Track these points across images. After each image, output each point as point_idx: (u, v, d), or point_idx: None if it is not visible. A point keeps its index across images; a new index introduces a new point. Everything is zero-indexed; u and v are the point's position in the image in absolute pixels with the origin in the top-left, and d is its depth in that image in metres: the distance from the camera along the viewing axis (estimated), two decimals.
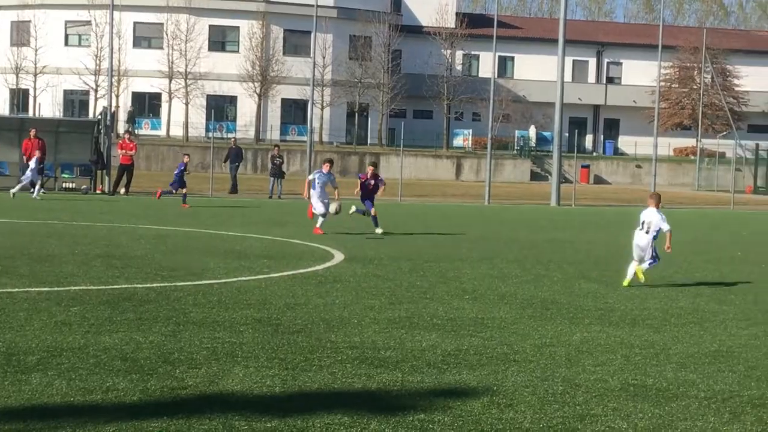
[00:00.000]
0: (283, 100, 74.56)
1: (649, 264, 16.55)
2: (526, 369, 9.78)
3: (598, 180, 73.93)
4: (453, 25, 79.44)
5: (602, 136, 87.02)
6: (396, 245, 21.89)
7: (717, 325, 12.81)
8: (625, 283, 16.37)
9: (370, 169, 25.57)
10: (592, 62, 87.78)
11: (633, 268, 16.46)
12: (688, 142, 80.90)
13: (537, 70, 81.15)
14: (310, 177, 24.97)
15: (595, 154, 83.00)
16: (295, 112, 75.31)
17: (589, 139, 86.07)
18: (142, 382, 8.62)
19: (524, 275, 17.37)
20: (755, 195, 62.49)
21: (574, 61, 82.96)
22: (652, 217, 16.51)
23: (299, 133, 73.07)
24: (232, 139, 48.50)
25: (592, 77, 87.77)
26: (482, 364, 9.95)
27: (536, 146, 76.91)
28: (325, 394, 8.56)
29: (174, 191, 33.61)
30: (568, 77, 71.61)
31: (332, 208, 23.90)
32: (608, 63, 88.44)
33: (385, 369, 9.54)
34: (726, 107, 73.43)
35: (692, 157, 75.93)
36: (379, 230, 24.21)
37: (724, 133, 73.63)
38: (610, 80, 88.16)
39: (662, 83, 73.62)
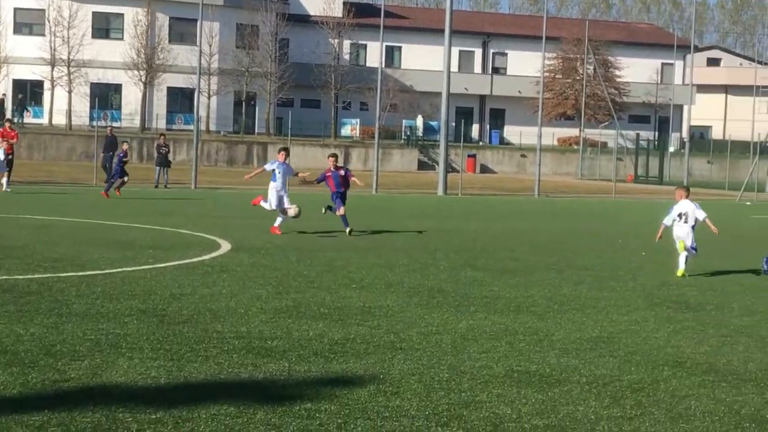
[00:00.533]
0: (169, 89, 73.60)
1: (690, 254, 17.21)
2: (413, 357, 9.85)
3: (485, 169, 74.76)
4: (340, 15, 79.43)
5: (488, 126, 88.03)
6: (283, 235, 21.82)
7: (598, 312, 13.07)
8: (680, 273, 16.98)
9: (331, 161, 23.24)
10: (478, 53, 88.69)
11: (684, 257, 17.13)
12: (572, 132, 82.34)
13: (424, 60, 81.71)
14: (268, 167, 22.82)
15: (481, 143, 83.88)
16: (181, 100, 74.38)
17: (475, 129, 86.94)
18: (22, 375, 8.44)
19: (411, 264, 17.49)
20: (636, 184, 63.91)
21: (460, 51, 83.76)
22: (687, 208, 17.32)
23: (186, 122, 72.24)
24: (108, 128, 47.54)
25: (478, 67, 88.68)
26: (369, 352, 10.00)
27: (423, 136, 77.37)
28: (211, 385, 8.50)
29: (114, 181, 33.47)
30: (454, 67, 72.35)
31: (291, 212, 22.13)
32: (494, 53, 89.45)
33: (272, 358, 9.52)
34: (608, 98, 74.92)
35: (575, 147, 77.31)
36: (348, 229, 22.34)
37: (606, 123, 75.12)
38: (496, 70, 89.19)
39: (546, 74, 74.72)
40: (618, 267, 18.24)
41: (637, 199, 47.33)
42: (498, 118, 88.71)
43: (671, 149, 78.50)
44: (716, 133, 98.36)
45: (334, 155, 23.66)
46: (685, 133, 68.42)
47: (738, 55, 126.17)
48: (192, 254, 17.57)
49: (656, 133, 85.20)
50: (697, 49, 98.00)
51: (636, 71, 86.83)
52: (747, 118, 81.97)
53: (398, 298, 13.51)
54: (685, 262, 17.21)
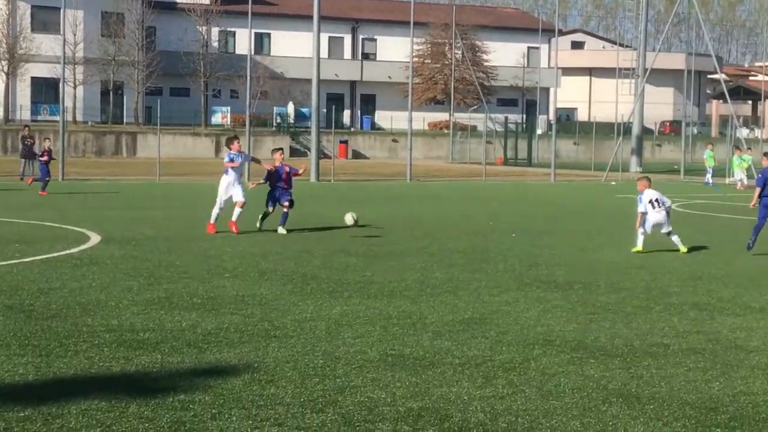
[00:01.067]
0: (33, 79, 71.77)
1: (676, 236, 18.36)
2: (287, 344, 9.85)
3: (357, 155, 74.92)
4: (208, 2, 78.54)
5: (359, 112, 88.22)
6: (154, 225, 21.53)
7: (470, 294, 13.25)
8: (637, 250, 18.06)
9: (278, 155, 21.22)
10: (348, 38, 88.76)
11: (642, 238, 18.16)
12: (442, 116, 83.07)
13: (294, 47, 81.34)
14: (232, 160, 20.44)
15: (352, 129, 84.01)
16: (46, 91, 72.60)
17: (346, 115, 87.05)
18: None
19: (285, 252, 17.44)
20: (505, 166, 64.86)
21: (330, 37, 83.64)
22: (656, 195, 18.22)
23: (51, 112, 70.48)
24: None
25: (348, 53, 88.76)
26: (243, 341, 9.95)
27: (295, 122, 77.12)
28: (82, 380, 8.36)
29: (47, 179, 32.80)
30: (324, 54, 72.16)
31: (349, 219, 20.17)
32: (363, 39, 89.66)
33: (144, 351, 9.40)
34: (476, 82, 75.77)
35: (446, 131, 78.03)
36: (282, 230, 20.51)
37: (475, 106, 75.93)
38: (366, 56, 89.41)
39: (415, 59, 75.26)
40: (489, 249, 18.50)
41: (507, 181, 48.06)
42: (369, 104, 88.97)
43: (539, 131, 79.85)
44: (582, 115, 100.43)
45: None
46: (551, 116, 69.60)
47: (601, 38, 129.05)
48: (60, 247, 17.21)
49: (524, 116, 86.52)
50: (562, 33, 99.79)
51: (503, 55, 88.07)
52: (611, 100, 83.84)
53: (272, 286, 13.48)
54: (681, 248, 18.26)
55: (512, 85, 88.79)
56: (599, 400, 8.08)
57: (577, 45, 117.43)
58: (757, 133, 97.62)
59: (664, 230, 18.41)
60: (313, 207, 28.67)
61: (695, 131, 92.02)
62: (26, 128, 42.83)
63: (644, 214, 18.26)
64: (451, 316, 11.62)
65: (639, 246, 18.18)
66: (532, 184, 45.88)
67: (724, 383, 8.69)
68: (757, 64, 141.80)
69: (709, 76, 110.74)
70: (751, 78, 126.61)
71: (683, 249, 18.33)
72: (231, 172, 20.61)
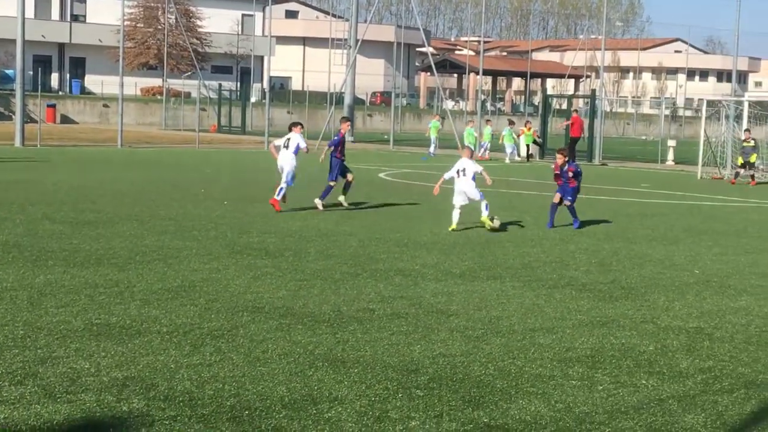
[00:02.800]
0: None
1: (486, 206, 17.85)
2: None
3: (66, 119, 72.37)
4: None
5: (68, 75, 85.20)
6: None
7: (180, 261, 13.13)
8: (453, 228, 17.57)
9: (346, 125, 21.71)
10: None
11: (457, 214, 17.86)
12: (155, 81, 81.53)
13: None
14: (290, 142, 20.46)
15: (61, 93, 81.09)
16: None
17: (54, 78, 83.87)
18: None
19: None
20: (219, 134, 64.49)
21: None
22: (466, 164, 18.11)
23: None
24: None
25: (56, 14, 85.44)
26: None
27: None
28: None
29: None
30: (30, 14, 69.17)
31: (496, 223, 18.20)
32: (72, 0, 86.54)
33: None
34: (190, 48, 74.78)
35: (159, 97, 76.67)
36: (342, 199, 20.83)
37: (189, 73, 75.01)
38: (76, 18, 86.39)
39: (127, 23, 73.40)
40: (201, 216, 18.36)
41: (221, 149, 47.81)
42: (79, 67, 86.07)
43: (253, 99, 79.84)
44: (296, 84, 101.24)
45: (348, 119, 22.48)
46: (266, 84, 69.72)
47: (314, 8, 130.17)
48: None
49: (238, 84, 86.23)
50: (276, 2, 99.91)
51: (217, 22, 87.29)
52: (324, 70, 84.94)
53: None
54: (486, 221, 17.93)
55: (227, 52, 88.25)
56: (306, 365, 8.22)
57: (291, 14, 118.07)
58: (462, 105, 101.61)
59: (473, 197, 18.05)
60: (15, 173, 27.54)
61: (404, 102, 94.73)
62: None
63: (446, 180, 18.50)
64: (160, 284, 11.48)
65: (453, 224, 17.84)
66: (246, 152, 45.86)
67: (424, 346, 9.03)
68: (462, 38, 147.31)
69: (417, 49, 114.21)
70: (457, 52, 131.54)
71: (489, 223, 17.86)
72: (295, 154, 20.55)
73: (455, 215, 17.95)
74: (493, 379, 8.03)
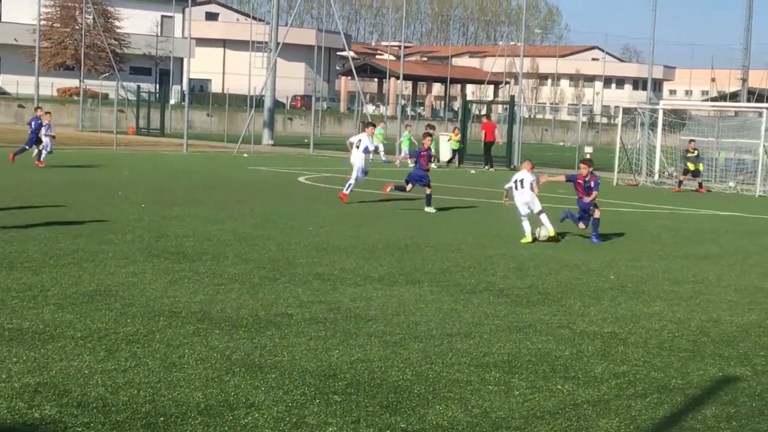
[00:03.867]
0: None
1: (546, 217, 18.06)
2: None
3: None
4: None
5: None
6: None
7: (96, 265, 12.95)
8: (526, 241, 17.70)
9: (428, 140, 23.57)
10: None
11: (528, 225, 17.98)
12: (72, 82, 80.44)
13: None
14: (360, 143, 23.88)
15: None
16: None
17: None
18: None
19: None
20: (138, 136, 63.82)
21: None
22: (525, 176, 18.27)
23: None
24: None
25: None
26: None
27: None
28: None
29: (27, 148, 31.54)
30: None
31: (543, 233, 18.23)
32: None
33: None
34: (108, 49, 73.90)
35: (76, 98, 75.64)
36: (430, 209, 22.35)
37: (107, 74, 74.12)
38: None
39: (44, 22, 72.33)
40: (117, 219, 18.12)
41: (139, 151, 47.31)
42: None
43: (172, 101, 79.20)
44: (215, 87, 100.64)
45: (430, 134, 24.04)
46: (185, 86, 69.13)
47: (235, 10, 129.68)
48: None
49: (157, 86, 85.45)
50: (196, 3, 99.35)
51: (136, 23, 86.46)
52: (244, 73, 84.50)
53: None
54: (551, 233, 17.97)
55: (146, 53, 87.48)
56: (222, 371, 8.15)
57: (211, 16, 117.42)
58: (382, 109, 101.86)
59: (534, 208, 18.18)
60: None
61: (325, 106, 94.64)
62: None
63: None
64: (74, 288, 11.31)
65: (527, 237, 17.91)
66: (165, 155, 45.43)
67: (343, 351, 9.02)
68: (383, 43, 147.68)
69: (338, 53, 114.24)
70: (377, 57, 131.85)
71: (551, 233, 17.94)
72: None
73: (525, 226, 18.08)
74: (411, 385, 8.04)
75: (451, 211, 23.01)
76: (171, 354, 8.59)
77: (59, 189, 24.17)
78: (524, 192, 18.21)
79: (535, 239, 17.87)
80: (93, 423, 6.72)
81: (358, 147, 23.79)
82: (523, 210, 18.21)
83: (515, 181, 18.42)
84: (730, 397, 8.20)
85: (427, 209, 22.29)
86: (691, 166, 35.99)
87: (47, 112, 33.98)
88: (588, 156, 27.07)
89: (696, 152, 36.10)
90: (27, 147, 32.72)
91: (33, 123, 32.51)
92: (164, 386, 7.62)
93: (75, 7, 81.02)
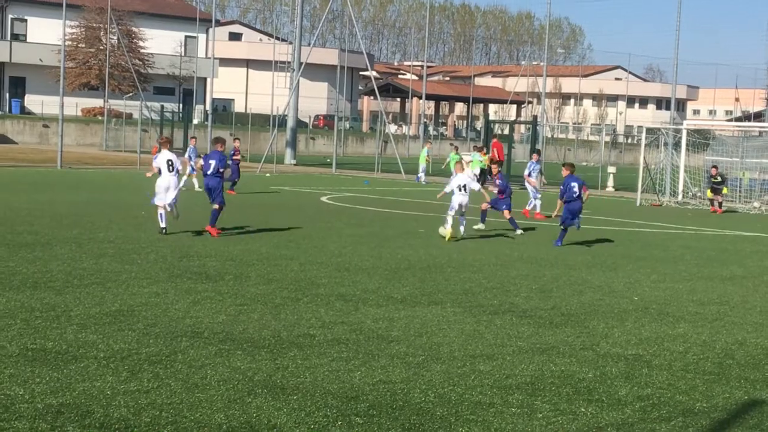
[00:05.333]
0: None
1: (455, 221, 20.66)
2: None
3: (5, 140, 71.52)
4: None
5: (8, 95, 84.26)
6: None
7: (119, 285, 12.98)
8: (447, 234, 20.25)
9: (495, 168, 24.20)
10: None
11: (451, 220, 20.55)
12: (96, 102, 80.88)
13: None
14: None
15: (0, 113, 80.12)
16: None
17: None
18: None
19: None
20: None
21: None
22: (467, 181, 20.77)
23: None
24: None
25: None
26: None
27: None
28: None
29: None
30: None
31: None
32: (13, 19, 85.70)
33: None
34: (132, 69, 74.36)
35: (100, 118, 76.05)
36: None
37: (131, 94, 74.52)
38: (16, 37, 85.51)
39: (69, 42, 72.85)
40: (140, 239, 18.18)
41: None
42: (18, 87, 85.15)
43: (195, 121, 79.46)
44: (238, 106, 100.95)
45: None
46: (208, 106, 69.36)
47: (258, 30, 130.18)
48: None
49: (181, 105, 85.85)
50: (219, 24, 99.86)
51: (160, 43, 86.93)
52: (267, 92, 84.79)
53: None
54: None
55: (169, 73, 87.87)
56: (245, 392, 8.14)
57: (234, 36, 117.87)
58: (405, 129, 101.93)
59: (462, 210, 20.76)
60: None
61: (347, 126, 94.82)
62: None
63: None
64: (97, 308, 11.33)
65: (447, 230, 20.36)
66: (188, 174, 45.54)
67: (365, 372, 8.99)
68: (406, 63, 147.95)
69: (361, 73, 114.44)
70: (400, 76, 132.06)
71: (447, 234, 20.32)
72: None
73: (449, 220, 20.46)
74: (433, 407, 8.01)
75: (472, 232, 22.95)
76: (193, 375, 8.58)
77: (83, 209, 24.26)
78: (465, 195, 20.68)
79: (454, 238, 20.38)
80: None
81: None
82: (455, 208, 20.65)
83: (458, 186, 20.61)
84: (756, 421, 8.12)
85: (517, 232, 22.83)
86: (709, 192, 36.19)
87: (192, 137, 36.12)
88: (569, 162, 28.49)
89: (719, 178, 36.00)
90: (236, 179, 33.05)
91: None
92: (186, 407, 7.62)
93: (100, 28, 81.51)
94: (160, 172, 19.52)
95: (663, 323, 12.28)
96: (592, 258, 18.83)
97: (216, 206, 19.46)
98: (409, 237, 21.12)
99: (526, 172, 29.76)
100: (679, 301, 14.09)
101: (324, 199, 32.57)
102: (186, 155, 33.72)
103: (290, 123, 61.08)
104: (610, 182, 46.93)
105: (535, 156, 30.87)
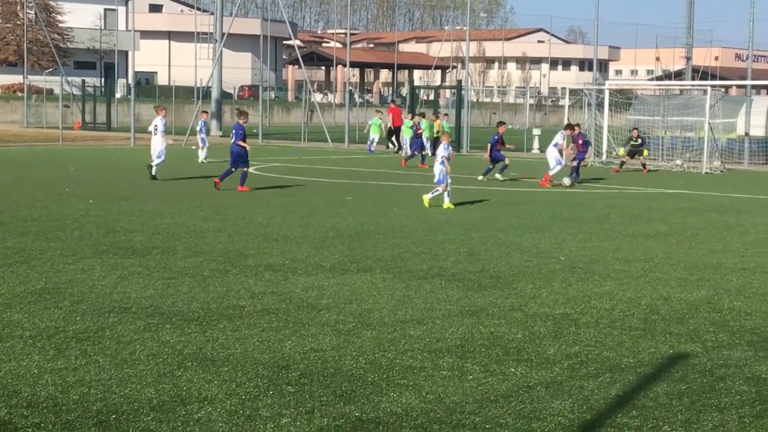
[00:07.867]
0: None
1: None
2: None
3: None
4: None
5: None
6: None
7: (44, 263, 12.80)
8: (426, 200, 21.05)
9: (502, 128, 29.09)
10: None
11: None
12: (16, 78, 79.46)
13: None
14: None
15: None
16: None
17: None
18: None
19: None
20: (84, 131, 63.20)
21: None
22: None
23: None
24: None
25: None
26: None
27: None
28: None
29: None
30: None
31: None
32: None
33: None
34: (51, 44, 73.09)
35: (20, 94, 74.74)
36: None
37: (51, 69, 73.31)
38: None
39: None
40: (65, 216, 17.94)
41: (85, 146, 46.85)
42: None
43: (118, 95, 78.46)
44: (162, 79, 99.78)
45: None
46: (131, 79, 68.49)
47: (179, 1, 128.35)
48: None
49: (102, 80, 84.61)
50: None
51: (79, 17, 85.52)
52: (190, 64, 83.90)
53: None
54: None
55: (89, 47, 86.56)
56: (174, 366, 8.09)
57: (155, 8, 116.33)
58: (330, 97, 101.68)
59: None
60: None
61: (273, 96, 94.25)
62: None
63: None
64: (22, 287, 11.17)
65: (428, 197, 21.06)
66: (112, 149, 45.05)
67: (295, 341, 8.99)
68: (329, 31, 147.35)
69: (284, 42, 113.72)
70: (324, 45, 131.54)
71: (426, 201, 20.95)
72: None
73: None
74: (365, 373, 8.04)
75: (396, 196, 23.00)
76: (122, 350, 8.52)
77: (5, 187, 23.87)
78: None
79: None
80: (44, 423, 6.64)
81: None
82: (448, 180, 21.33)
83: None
84: (681, 374, 8.27)
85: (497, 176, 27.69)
86: (622, 151, 36.42)
87: (204, 111, 38.27)
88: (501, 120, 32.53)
89: (640, 140, 36.32)
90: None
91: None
92: (115, 383, 7.55)
93: (16, 2, 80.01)
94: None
95: (589, 282, 12.44)
96: (519, 220, 18.99)
97: (245, 169, 23.96)
98: (337, 205, 21.11)
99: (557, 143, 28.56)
100: (605, 260, 14.27)
101: (251, 169, 32.37)
102: (198, 128, 36.66)
103: (214, 94, 60.55)
104: (536, 144, 47.27)
105: (568, 131, 29.41)
